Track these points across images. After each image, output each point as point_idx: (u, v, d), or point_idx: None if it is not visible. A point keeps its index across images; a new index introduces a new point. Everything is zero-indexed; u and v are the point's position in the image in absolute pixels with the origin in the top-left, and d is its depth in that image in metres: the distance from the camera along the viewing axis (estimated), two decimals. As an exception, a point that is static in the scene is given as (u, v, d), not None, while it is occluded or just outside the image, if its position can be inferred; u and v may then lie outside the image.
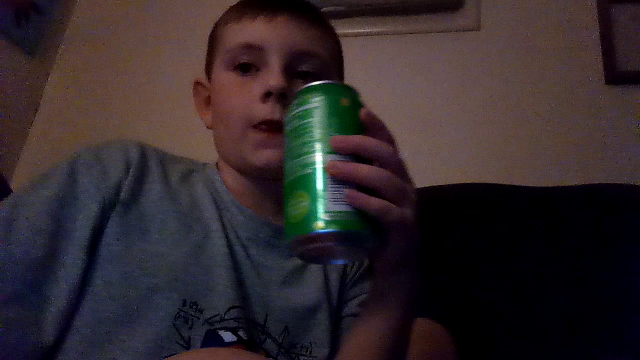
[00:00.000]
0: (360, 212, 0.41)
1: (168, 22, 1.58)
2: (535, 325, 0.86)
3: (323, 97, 0.44)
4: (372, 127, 0.44)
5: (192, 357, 0.47)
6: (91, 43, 1.63)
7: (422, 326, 0.82)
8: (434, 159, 1.28)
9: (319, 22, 0.68)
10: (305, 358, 0.60)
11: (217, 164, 0.71)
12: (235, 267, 0.59)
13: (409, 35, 1.42)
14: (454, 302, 0.91)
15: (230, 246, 0.60)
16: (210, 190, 0.65)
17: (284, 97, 0.59)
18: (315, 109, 0.44)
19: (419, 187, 1.07)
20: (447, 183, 1.05)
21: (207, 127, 0.71)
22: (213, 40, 0.70)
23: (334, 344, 0.62)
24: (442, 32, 1.40)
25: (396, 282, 0.48)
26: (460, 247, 0.95)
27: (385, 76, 1.39)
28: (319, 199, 0.40)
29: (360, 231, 0.41)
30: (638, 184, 0.98)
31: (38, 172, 0.58)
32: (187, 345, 0.52)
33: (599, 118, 1.22)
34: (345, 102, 0.44)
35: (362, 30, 1.44)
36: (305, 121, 0.44)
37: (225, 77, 0.65)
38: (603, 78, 1.24)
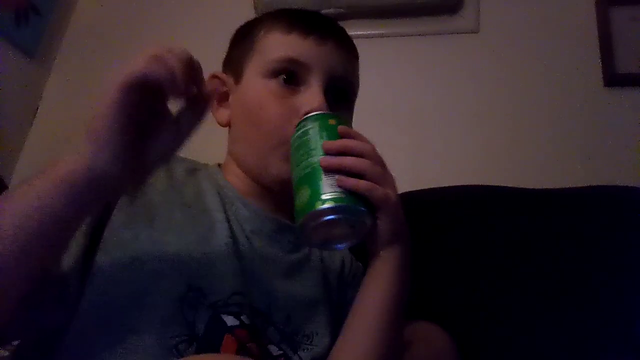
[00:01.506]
0: (351, 192, 0.51)
1: (167, 24, 1.58)
2: (534, 327, 0.86)
3: (316, 121, 0.56)
4: (351, 136, 0.55)
5: None
6: (90, 45, 1.63)
7: (422, 328, 0.82)
8: (432, 161, 1.28)
9: (356, 55, 0.74)
10: (307, 346, 0.62)
11: (219, 165, 0.73)
12: (239, 256, 0.61)
13: (408, 37, 1.42)
14: (452, 304, 0.91)
15: (234, 237, 0.62)
16: (215, 186, 0.67)
17: None
18: (311, 129, 0.56)
19: (416, 189, 1.08)
20: (445, 185, 1.05)
21: (221, 124, 0.71)
22: (249, 42, 0.70)
23: (335, 337, 0.63)
24: (441, 34, 1.40)
25: (388, 255, 0.55)
26: (459, 249, 0.96)
27: (384, 78, 1.39)
28: (317, 187, 0.51)
29: (352, 206, 0.50)
30: (637, 185, 0.98)
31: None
32: (191, 328, 0.54)
33: (598, 120, 1.22)
34: (332, 122, 0.57)
35: (361, 33, 1.44)
36: (304, 139, 0.55)
37: (264, 85, 0.66)
38: (602, 80, 1.24)
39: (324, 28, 0.68)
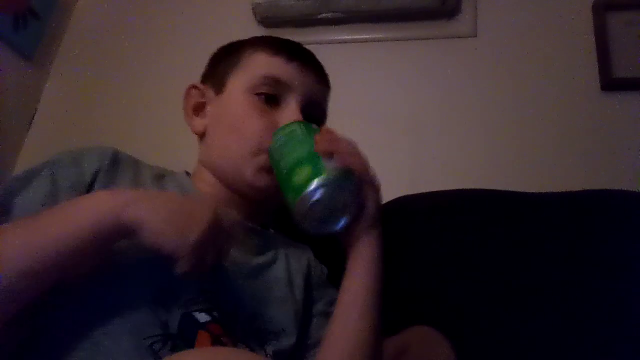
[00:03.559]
0: (347, 170, 0.59)
1: (166, 28, 1.59)
2: (532, 331, 0.86)
3: (300, 124, 0.66)
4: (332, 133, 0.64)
5: (192, 356, 0.48)
6: (89, 48, 1.63)
7: (420, 332, 0.82)
8: (430, 165, 1.29)
9: (329, 85, 0.82)
10: (274, 342, 0.64)
11: (187, 172, 0.76)
12: None
13: (406, 41, 1.43)
14: (449, 308, 0.91)
15: None
16: (182, 192, 0.70)
17: None
18: (298, 128, 0.65)
19: (414, 192, 1.08)
20: (443, 189, 1.05)
21: (195, 132, 0.76)
22: (234, 59, 0.76)
23: (300, 337, 0.68)
24: (439, 38, 1.41)
25: (370, 239, 0.63)
26: (455, 253, 0.96)
27: (382, 82, 1.39)
28: (317, 165, 0.58)
29: (350, 183, 0.59)
30: (634, 190, 0.98)
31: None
32: (165, 327, 0.55)
33: (595, 124, 1.22)
34: (314, 127, 0.67)
35: (359, 37, 1.45)
36: (292, 135, 0.64)
37: (247, 99, 0.72)
38: (599, 85, 1.25)
39: (305, 57, 0.77)
